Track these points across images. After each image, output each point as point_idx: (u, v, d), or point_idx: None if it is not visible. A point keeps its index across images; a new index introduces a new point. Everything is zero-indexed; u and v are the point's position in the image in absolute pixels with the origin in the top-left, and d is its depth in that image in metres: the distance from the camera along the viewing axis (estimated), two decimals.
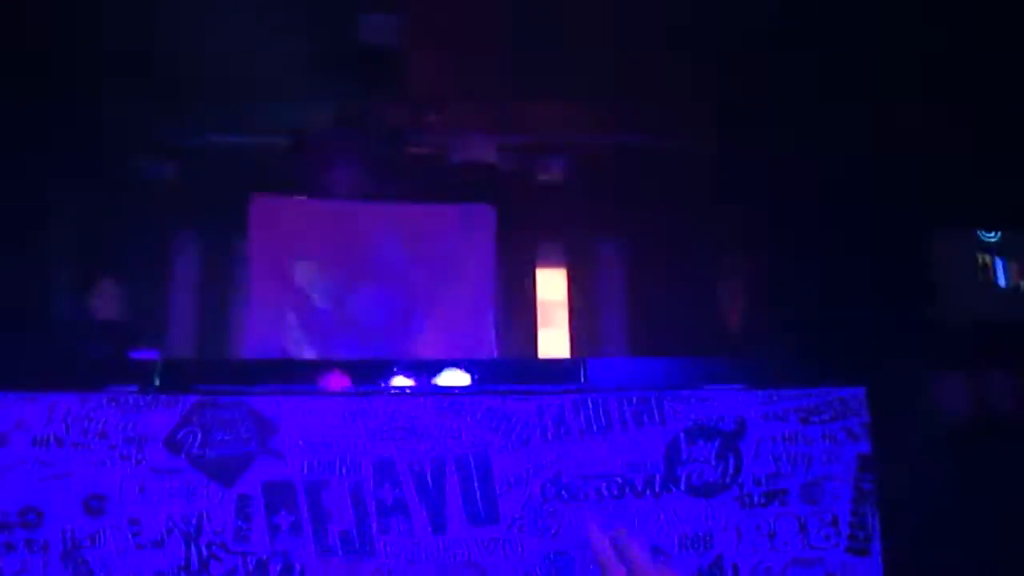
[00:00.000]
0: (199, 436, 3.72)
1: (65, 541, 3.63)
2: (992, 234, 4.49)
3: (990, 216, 4.55)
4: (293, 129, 4.91)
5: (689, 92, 4.62)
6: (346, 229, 4.95)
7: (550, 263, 5.08)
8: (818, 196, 4.42)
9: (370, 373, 3.90)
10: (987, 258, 4.49)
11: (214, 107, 4.78)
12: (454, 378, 3.90)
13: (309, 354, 4.63)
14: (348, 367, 3.97)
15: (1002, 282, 4.42)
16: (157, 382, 3.82)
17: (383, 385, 3.84)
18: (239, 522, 3.65)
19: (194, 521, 3.64)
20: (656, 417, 3.81)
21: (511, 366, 4.33)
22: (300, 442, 3.71)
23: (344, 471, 3.69)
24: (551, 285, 5.01)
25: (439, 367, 3.95)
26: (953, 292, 4.39)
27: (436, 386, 3.86)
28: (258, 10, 4.30)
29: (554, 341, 4.95)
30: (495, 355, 4.66)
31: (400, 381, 3.87)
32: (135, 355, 4.15)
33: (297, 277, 4.82)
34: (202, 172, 4.96)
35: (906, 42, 4.33)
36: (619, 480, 3.74)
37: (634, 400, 3.81)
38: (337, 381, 3.88)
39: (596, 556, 1.92)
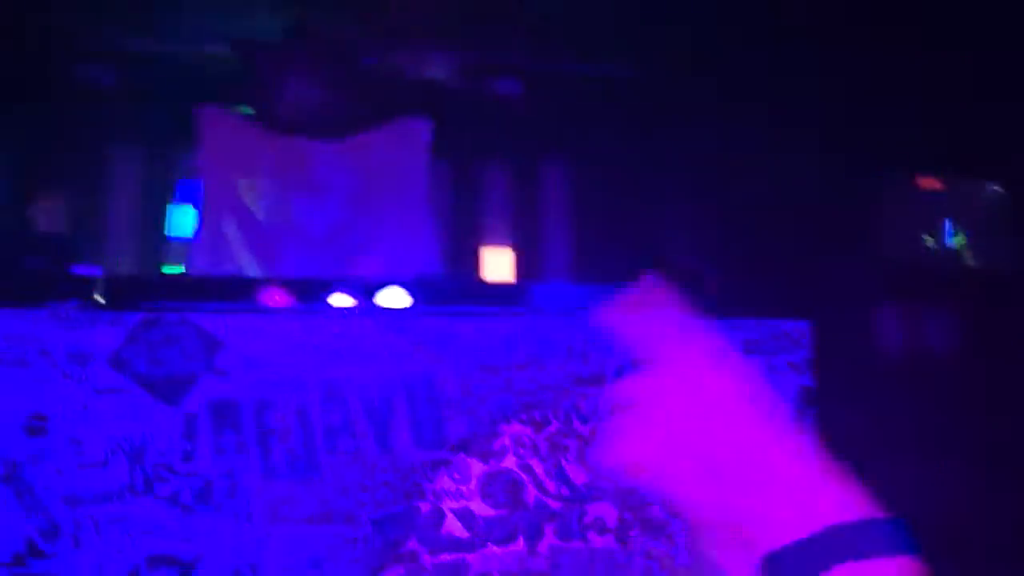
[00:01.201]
0: (144, 354, 3.67)
1: (5, 462, 3.57)
2: (935, 178, 4.56)
3: (934, 160, 4.61)
4: (239, 40, 4.80)
5: (639, 20, 4.59)
6: (288, 144, 4.90)
7: (496, 184, 5.06)
8: (767, 129, 4.43)
9: (316, 290, 3.87)
10: (930, 201, 4.56)
11: (158, 15, 4.65)
12: (401, 297, 3.88)
13: (254, 268, 4.59)
14: (294, 284, 3.93)
15: (944, 223, 4.50)
16: (100, 298, 3.76)
17: (329, 303, 3.81)
18: (185, 442, 3.61)
19: (139, 441, 3.60)
20: (602, 343, 3.83)
21: (458, 287, 4.32)
22: (246, 360, 3.67)
23: (290, 390, 3.66)
24: (496, 206, 5.00)
25: (385, 285, 3.92)
26: (896, 233, 4.46)
27: (382, 307, 3.84)
28: None
29: (498, 262, 4.94)
30: (436, 269, 4.64)
31: (346, 299, 3.85)
32: (76, 270, 4.07)
33: (242, 190, 4.76)
34: (145, 82, 4.83)
35: None
36: (565, 405, 3.76)
37: (577, 324, 3.82)
38: (282, 298, 3.85)
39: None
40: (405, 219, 4.90)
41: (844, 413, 3.96)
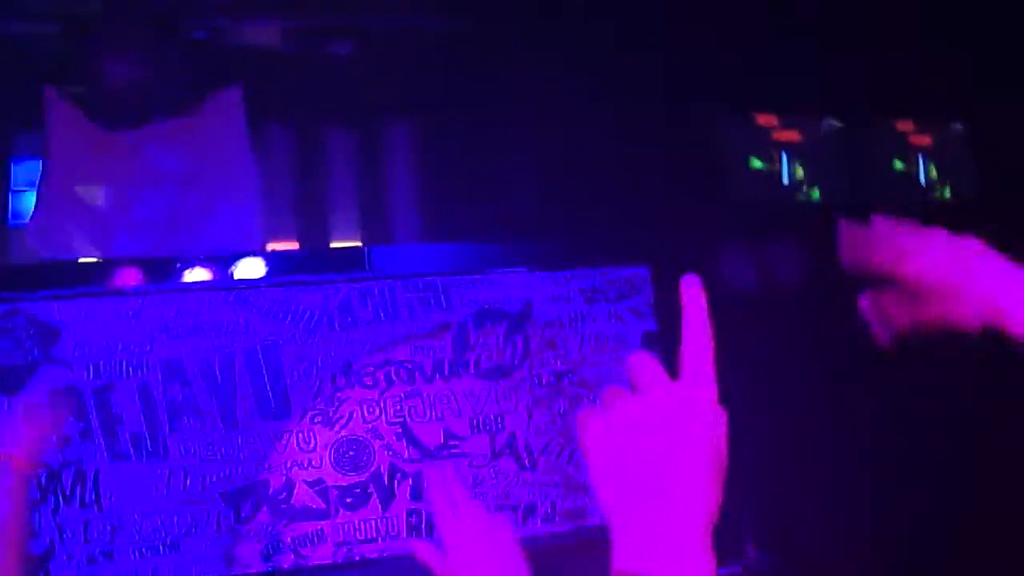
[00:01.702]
0: None
1: None
2: (771, 113, 4.63)
3: (770, 96, 4.69)
4: (65, 16, 4.71)
5: None
6: (117, 124, 4.84)
7: (338, 147, 5.05)
8: (608, 74, 4.46)
9: (151, 270, 3.83)
10: (769, 141, 4.64)
11: None
12: (238, 270, 3.86)
13: (92, 253, 4.53)
14: (129, 265, 3.88)
15: (783, 159, 4.58)
16: None
17: (166, 282, 3.78)
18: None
19: None
20: (443, 303, 3.86)
21: (296, 256, 4.30)
22: (84, 346, 3.63)
23: (131, 373, 3.64)
24: (340, 170, 4.98)
25: (222, 260, 3.90)
26: (736, 173, 4.53)
27: (219, 280, 3.81)
28: None
29: (342, 227, 4.93)
30: (260, 241, 4.62)
31: (183, 276, 3.81)
32: None
33: (77, 174, 4.70)
34: None
35: None
36: (408, 366, 3.79)
37: (420, 286, 3.85)
38: (129, 279, 3.81)
39: (432, 507, 1.81)
40: (231, 191, 4.85)
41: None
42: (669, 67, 4.59)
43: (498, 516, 1.88)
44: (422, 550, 1.80)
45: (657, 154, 4.50)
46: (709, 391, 1.09)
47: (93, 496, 3.55)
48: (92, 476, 3.57)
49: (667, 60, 4.58)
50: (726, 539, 4.08)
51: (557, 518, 3.87)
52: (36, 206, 4.60)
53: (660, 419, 1.03)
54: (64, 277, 3.79)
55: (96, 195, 4.68)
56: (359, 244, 4.85)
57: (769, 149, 4.67)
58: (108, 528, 3.55)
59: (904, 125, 4.90)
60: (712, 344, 1.13)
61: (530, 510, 3.83)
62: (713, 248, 4.42)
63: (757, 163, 4.62)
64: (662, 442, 1.00)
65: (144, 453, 3.60)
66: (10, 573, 1.79)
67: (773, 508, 4.16)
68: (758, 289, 4.47)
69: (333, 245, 4.84)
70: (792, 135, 4.72)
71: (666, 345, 4.07)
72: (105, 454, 3.59)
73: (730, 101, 4.64)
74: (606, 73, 4.58)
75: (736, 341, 4.13)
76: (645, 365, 1.13)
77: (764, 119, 4.72)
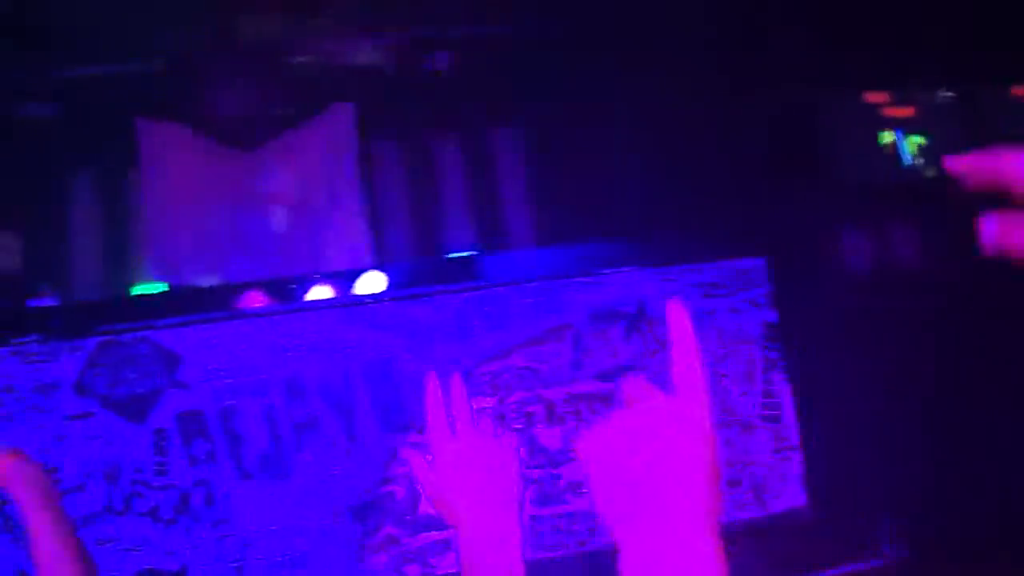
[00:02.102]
0: (106, 376, 3.71)
1: None
2: (884, 95, 4.50)
3: (880, 78, 4.56)
4: (169, 52, 4.83)
5: None
6: (228, 151, 4.94)
7: (447, 158, 5.07)
8: (710, 66, 4.40)
9: (270, 292, 3.89)
10: (881, 119, 4.50)
11: (87, 39, 4.69)
12: (355, 286, 3.89)
13: (207, 281, 4.63)
14: (248, 287, 3.95)
15: (897, 140, 4.44)
16: (57, 328, 3.79)
17: (283, 302, 3.83)
18: (157, 457, 3.65)
19: (112, 461, 3.64)
20: (557, 306, 3.83)
21: (410, 269, 4.32)
22: (207, 370, 3.70)
23: (254, 393, 3.69)
24: (449, 181, 5.00)
25: (339, 278, 3.94)
26: (848, 156, 4.40)
27: (337, 297, 3.85)
28: None
29: (456, 237, 4.95)
30: (371, 257, 4.67)
31: (301, 296, 3.86)
32: (33, 304, 4.12)
33: (189, 202, 4.82)
34: (83, 106, 4.89)
35: None
36: (525, 372, 3.77)
37: (534, 292, 3.83)
38: (239, 302, 3.87)
39: (427, 418, 1.73)
40: (347, 208, 4.91)
41: (811, 344, 3.95)
42: (769, 54, 4.50)
43: (503, 439, 1.79)
44: (415, 462, 1.73)
45: (764, 142, 4.42)
46: (701, 405, 1.10)
47: (223, 515, 3.62)
48: (222, 496, 3.63)
49: (766, 47, 4.50)
50: (861, 535, 3.96)
51: None
52: (149, 236, 4.72)
53: (656, 432, 1.04)
54: (185, 303, 3.87)
55: (206, 218, 4.78)
56: (473, 253, 4.85)
57: (881, 127, 4.53)
58: (239, 545, 3.61)
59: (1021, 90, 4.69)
60: (700, 361, 1.14)
61: None
62: (829, 233, 4.32)
63: (868, 141, 4.50)
64: (660, 453, 1.02)
65: (270, 471, 3.65)
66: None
67: (908, 502, 4.04)
68: (879, 272, 4.35)
69: (449, 256, 4.86)
70: (905, 111, 4.56)
71: (786, 336, 3.98)
72: (233, 474, 3.65)
73: (836, 78, 4.53)
74: (707, 65, 4.52)
75: (860, 328, 4.03)
76: (638, 385, 1.16)
77: (873, 96, 4.58)
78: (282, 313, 3.79)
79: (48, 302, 4.12)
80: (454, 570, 3.62)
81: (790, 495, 3.91)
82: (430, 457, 1.71)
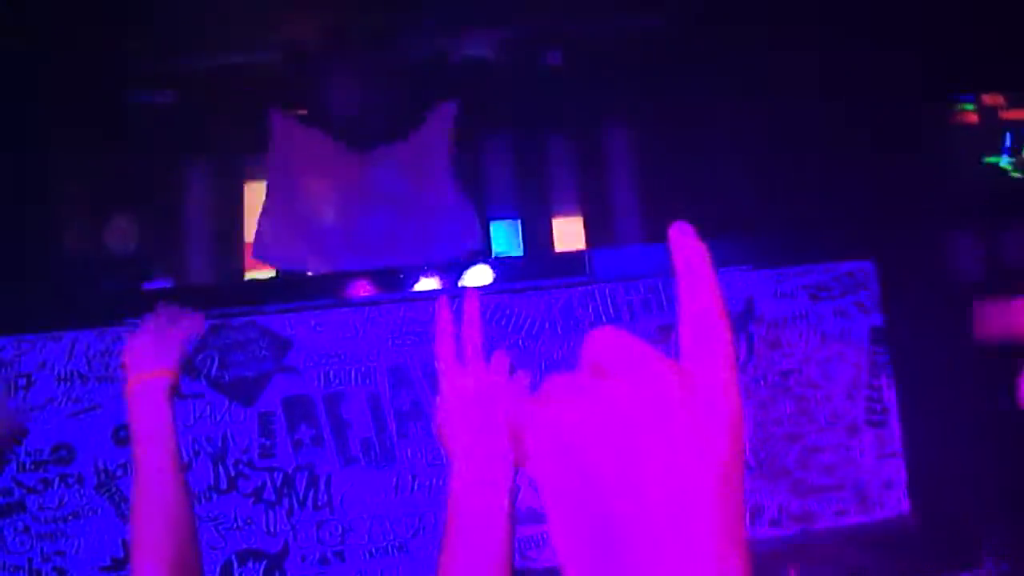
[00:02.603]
0: (216, 359, 3.78)
1: (98, 473, 3.73)
2: (998, 97, 4.42)
3: (991, 80, 4.48)
4: (286, 43, 4.91)
5: None
6: (343, 146, 5.03)
7: (558, 154, 5.08)
8: (819, 65, 4.36)
9: (379, 281, 3.93)
10: (993, 122, 4.42)
11: (206, 29, 4.78)
12: (463, 278, 3.92)
13: (320, 267, 4.71)
14: (358, 276, 4.00)
15: (1007, 142, 4.35)
16: None
17: (390, 292, 3.87)
18: (263, 439, 3.72)
19: (219, 442, 3.72)
20: (664, 304, 3.82)
21: (518, 262, 4.33)
22: (314, 356, 3.76)
23: (360, 380, 3.74)
24: (561, 177, 5.02)
25: (447, 269, 3.97)
26: (954, 157, 4.34)
27: (444, 288, 3.88)
28: None
29: (567, 232, 4.96)
30: (476, 244, 4.70)
31: (409, 286, 3.90)
32: (148, 286, 4.23)
33: (306, 192, 4.90)
34: (202, 95, 4.99)
35: None
36: None
37: (641, 288, 3.82)
38: (348, 291, 3.92)
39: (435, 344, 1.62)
40: (443, 202, 4.95)
41: (918, 349, 3.89)
42: (878, 55, 4.44)
43: (517, 377, 1.69)
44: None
45: (875, 143, 4.36)
46: (721, 372, 0.70)
47: (325, 499, 3.67)
48: (324, 480, 3.69)
49: (875, 48, 4.43)
50: (962, 548, 3.89)
51: (784, 521, 3.78)
52: (262, 221, 4.80)
53: (648, 415, 0.65)
54: (295, 290, 3.93)
55: (320, 212, 4.85)
56: (581, 249, 4.86)
57: (993, 129, 4.44)
58: (339, 530, 3.66)
59: None
60: (720, 307, 0.76)
61: (757, 512, 3.74)
62: (937, 236, 4.25)
63: (978, 145, 4.41)
64: (654, 449, 0.64)
65: (373, 458, 3.70)
66: (172, 475, 1.83)
67: (1013, 514, 3.96)
68: (987, 276, 4.27)
69: (557, 251, 4.88)
70: (1018, 113, 4.47)
71: (893, 339, 3.92)
72: (336, 459, 3.70)
73: (947, 82, 4.46)
74: (816, 64, 4.47)
75: (968, 333, 3.96)
76: (619, 341, 0.72)
77: (986, 99, 4.50)
78: (389, 302, 3.82)
79: (161, 285, 4.22)
80: (553, 564, 3.63)
81: (894, 502, 3.85)
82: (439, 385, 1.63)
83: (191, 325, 2.02)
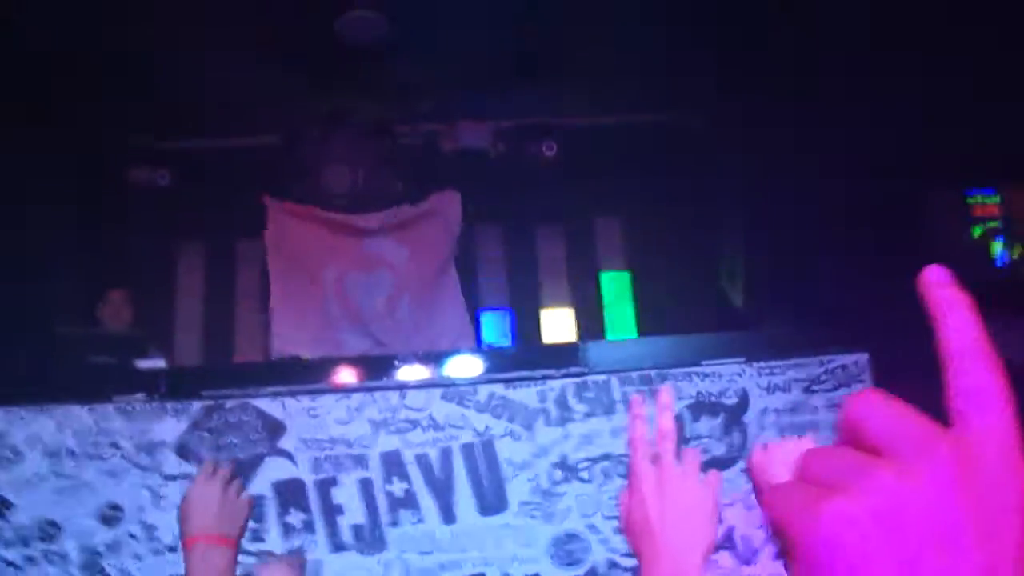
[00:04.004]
0: (208, 440, 3.76)
1: (83, 551, 3.69)
2: (987, 191, 4.46)
3: (982, 176, 4.51)
4: (284, 129, 4.94)
5: (683, 67, 4.60)
6: (345, 228, 5.07)
7: (550, 244, 5.11)
8: (815, 157, 4.39)
9: (374, 368, 3.93)
10: (983, 215, 4.46)
11: (205, 112, 4.81)
12: (456, 367, 3.92)
13: (317, 349, 4.70)
14: (351, 363, 4.00)
15: (1000, 239, 4.39)
16: (163, 389, 3.86)
17: (385, 379, 3.87)
18: (253, 523, 3.68)
19: None
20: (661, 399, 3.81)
21: (512, 353, 4.35)
22: (307, 440, 3.75)
23: (352, 466, 3.73)
24: (553, 266, 5.04)
25: (441, 357, 3.98)
26: (949, 251, 4.37)
27: (437, 377, 3.88)
28: (243, 18, 4.30)
29: (557, 322, 4.97)
30: (470, 339, 4.72)
31: (403, 374, 3.90)
32: (141, 363, 4.19)
33: (307, 275, 4.94)
34: (199, 177, 5.01)
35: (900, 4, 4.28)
36: (625, 460, 3.74)
37: (635, 379, 3.83)
38: (342, 376, 3.92)
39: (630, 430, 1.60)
40: (442, 287, 4.99)
41: None
42: (877, 148, 4.48)
43: (708, 478, 1.67)
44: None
45: (872, 237, 4.40)
46: (1006, 436, 0.58)
47: None
48: (314, 565, 3.65)
49: (874, 142, 4.48)
50: None
51: None
52: (274, 317, 4.85)
53: (939, 507, 0.48)
54: (291, 374, 3.93)
55: (321, 290, 4.89)
56: (573, 340, 4.88)
57: (983, 223, 4.49)
58: None
59: None
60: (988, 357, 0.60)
61: None
62: (930, 331, 4.26)
63: (972, 240, 4.45)
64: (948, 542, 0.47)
65: (364, 544, 3.67)
66: None
67: None
68: None
69: (547, 341, 4.90)
70: (1007, 209, 4.52)
71: None
72: (327, 544, 3.67)
73: (942, 177, 4.50)
74: (812, 157, 4.51)
75: None
76: (889, 411, 0.52)
77: (976, 194, 4.55)
78: (383, 389, 3.82)
79: (155, 363, 4.20)
80: None
81: None
82: (629, 480, 1.62)
83: (249, 501, 2.03)
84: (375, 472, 3.72)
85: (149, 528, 3.71)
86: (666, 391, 1.56)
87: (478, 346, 4.62)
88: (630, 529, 1.55)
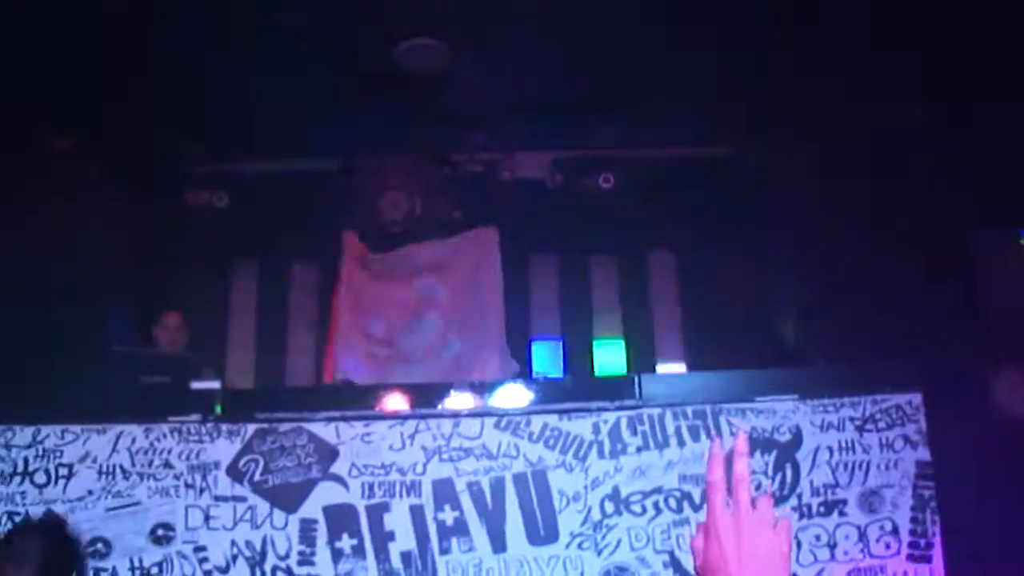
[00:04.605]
0: (261, 463, 3.79)
1: (133, 570, 3.71)
2: None
3: None
4: (342, 154, 4.99)
5: (739, 102, 4.61)
6: (399, 268, 5.14)
7: (603, 276, 5.13)
8: (867, 199, 4.39)
9: (427, 396, 3.95)
10: None
11: (263, 135, 4.87)
12: (510, 397, 3.93)
13: (373, 377, 4.76)
14: (405, 389, 4.02)
15: None
16: (219, 410, 3.89)
17: (440, 406, 3.88)
18: (302, 546, 3.71)
19: (258, 547, 3.71)
20: (712, 431, 3.82)
21: (567, 384, 4.35)
22: (360, 465, 3.77)
23: (404, 492, 3.74)
24: (606, 298, 5.06)
25: (495, 387, 3.98)
26: (1003, 291, 4.34)
27: (492, 406, 3.89)
28: (304, 42, 4.36)
29: (610, 355, 4.98)
30: (511, 371, 4.76)
31: (456, 402, 3.91)
32: (196, 384, 4.23)
33: (370, 313, 5.01)
34: (255, 199, 5.06)
35: (946, 39, 4.28)
36: (677, 494, 3.75)
37: (689, 414, 3.83)
38: (396, 403, 3.93)
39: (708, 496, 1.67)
40: (486, 322, 5.04)
41: (966, 484, 3.85)
42: (932, 188, 4.47)
43: (780, 524, 1.70)
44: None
45: (925, 276, 4.38)
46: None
47: None
48: None
49: (930, 181, 4.47)
50: None
51: None
52: (341, 345, 4.91)
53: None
54: (344, 399, 3.95)
55: (376, 325, 4.94)
56: (626, 372, 4.88)
57: None
58: None
59: None
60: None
61: None
62: (985, 372, 4.24)
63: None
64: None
65: (414, 571, 3.68)
66: None
67: None
68: None
69: (598, 372, 4.90)
70: None
71: (940, 474, 3.89)
72: (376, 570, 3.68)
73: (999, 220, 4.48)
74: (867, 194, 4.50)
75: (1016, 470, 3.93)
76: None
77: None
78: (437, 417, 3.84)
79: (210, 384, 4.23)
80: None
81: None
82: (704, 524, 1.65)
83: None
84: (427, 499, 3.74)
85: (199, 548, 3.73)
86: (742, 438, 1.59)
87: (530, 376, 4.62)
88: (705, 570, 1.57)
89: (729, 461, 1.72)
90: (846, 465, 3.83)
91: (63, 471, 3.80)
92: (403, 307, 5.08)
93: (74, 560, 2.58)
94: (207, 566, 3.71)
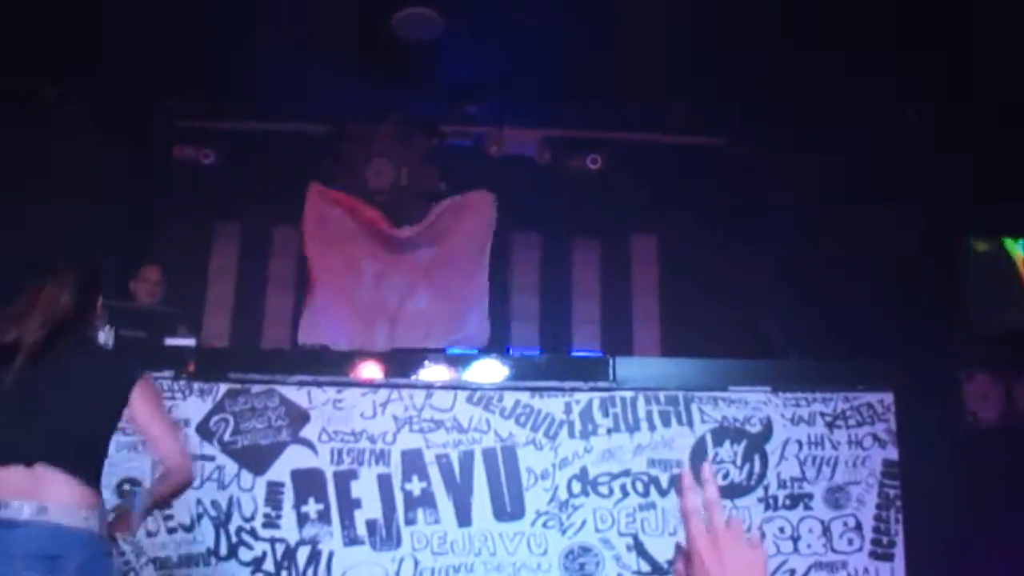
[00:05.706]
0: (232, 423, 3.78)
1: None
2: (1020, 241, 4.45)
3: (1018, 223, 4.50)
4: (332, 119, 4.97)
5: (733, 93, 4.61)
6: (377, 219, 5.10)
7: (585, 256, 5.12)
8: (849, 196, 4.40)
9: (401, 365, 3.94)
10: (1015, 265, 4.45)
11: (255, 96, 4.84)
12: (484, 372, 3.93)
13: (347, 342, 4.73)
14: (380, 357, 4.01)
15: None
16: (191, 368, 3.87)
17: (413, 377, 3.87)
18: (268, 509, 3.70)
19: (224, 507, 3.70)
20: (683, 417, 3.83)
21: (541, 362, 4.34)
22: (330, 431, 3.76)
23: (373, 461, 3.74)
24: (585, 279, 5.05)
25: (469, 360, 3.98)
26: (981, 298, 4.36)
27: (465, 380, 3.89)
28: (300, 6, 4.33)
29: (585, 336, 4.98)
30: (485, 340, 4.75)
31: (430, 373, 3.91)
32: (171, 341, 4.21)
33: (347, 261, 4.97)
34: (243, 159, 5.04)
35: (934, 44, 4.28)
36: (644, 478, 3.76)
37: (662, 399, 3.83)
38: (370, 371, 3.92)
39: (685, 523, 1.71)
40: (465, 284, 5.01)
41: (931, 485, 3.88)
42: (916, 192, 4.49)
43: (755, 544, 1.76)
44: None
45: (903, 277, 4.40)
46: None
47: (325, 575, 3.65)
48: (326, 556, 3.66)
49: (915, 185, 4.49)
50: None
51: None
52: (308, 307, 4.87)
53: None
54: (318, 364, 3.94)
55: (358, 274, 4.91)
56: (600, 353, 4.87)
57: (1017, 276, 4.48)
58: None
59: None
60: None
61: None
62: (960, 378, 4.27)
63: (1004, 289, 4.44)
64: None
65: (378, 540, 3.68)
66: None
67: None
68: (1003, 421, 4.28)
69: (575, 353, 4.90)
70: None
71: (906, 474, 3.91)
72: (341, 536, 3.68)
73: (975, 226, 4.49)
74: (849, 195, 4.52)
75: (978, 476, 3.96)
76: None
77: (1011, 244, 4.53)
78: (411, 387, 3.83)
79: (185, 341, 4.21)
80: None
81: None
82: (685, 550, 1.70)
83: None
84: (395, 468, 3.74)
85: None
86: (707, 466, 1.67)
87: (506, 352, 4.62)
88: None
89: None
90: (814, 460, 3.85)
91: None
92: (389, 261, 5.05)
93: (98, 287, 2.87)
94: (171, 523, 3.69)
